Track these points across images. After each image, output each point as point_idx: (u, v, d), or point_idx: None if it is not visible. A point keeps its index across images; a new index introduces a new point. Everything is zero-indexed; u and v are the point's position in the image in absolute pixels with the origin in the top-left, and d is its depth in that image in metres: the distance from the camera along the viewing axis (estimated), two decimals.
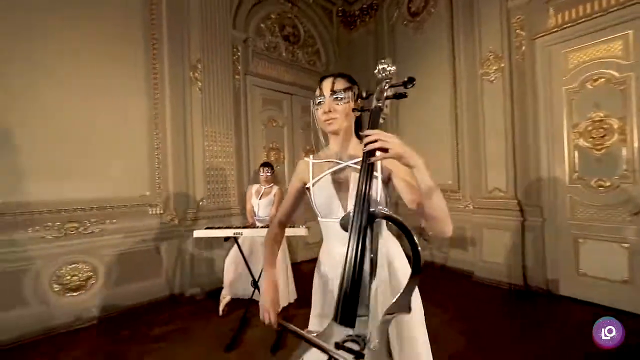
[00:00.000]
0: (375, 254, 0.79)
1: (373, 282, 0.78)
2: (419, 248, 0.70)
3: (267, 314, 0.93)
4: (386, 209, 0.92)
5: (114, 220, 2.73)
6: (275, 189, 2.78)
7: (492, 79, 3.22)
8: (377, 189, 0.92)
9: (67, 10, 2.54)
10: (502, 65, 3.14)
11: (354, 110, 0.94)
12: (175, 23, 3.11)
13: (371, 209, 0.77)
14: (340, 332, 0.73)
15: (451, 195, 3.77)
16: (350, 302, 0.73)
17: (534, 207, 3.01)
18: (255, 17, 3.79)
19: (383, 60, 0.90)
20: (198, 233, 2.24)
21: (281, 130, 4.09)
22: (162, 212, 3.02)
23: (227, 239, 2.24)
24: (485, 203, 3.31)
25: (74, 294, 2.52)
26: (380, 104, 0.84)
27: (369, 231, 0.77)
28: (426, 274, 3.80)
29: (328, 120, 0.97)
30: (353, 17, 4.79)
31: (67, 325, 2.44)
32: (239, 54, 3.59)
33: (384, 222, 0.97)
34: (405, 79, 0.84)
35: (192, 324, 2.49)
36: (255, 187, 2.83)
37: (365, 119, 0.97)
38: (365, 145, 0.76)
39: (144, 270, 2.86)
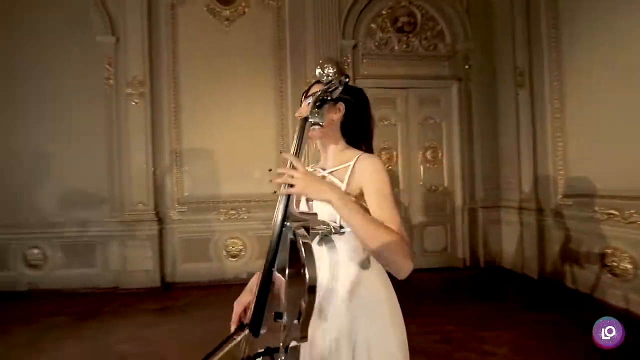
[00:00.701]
0: (294, 267, 0.76)
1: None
2: (307, 272, 0.63)
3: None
4: (320, 229, 0.84)
5: (255, 211, 3.69)
6: None
7: None
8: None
9: (231, 70, 3.69)
10: None
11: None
12: (295, 51, 3.74)
13: (287, 223, 0.75)
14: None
15: None
16: (258, 309, 0.75)
17: None
18: (364, 20, 3.85)
19: (321, 61, 0.82)
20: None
21: (394, 128, 3.92)
22: None
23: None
24: None
25: (233, 259, 3.65)
26: (309, 115, 0.79)
27: (283, 243, 0.76)
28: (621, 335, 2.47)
29: None
30: None
31: (230, 280, 3.58)
32: (349, 60, 3.79)
33: (338, 241, 0.87)
34: (340, 79, 0.75)
35: None
36: None
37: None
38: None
39: None
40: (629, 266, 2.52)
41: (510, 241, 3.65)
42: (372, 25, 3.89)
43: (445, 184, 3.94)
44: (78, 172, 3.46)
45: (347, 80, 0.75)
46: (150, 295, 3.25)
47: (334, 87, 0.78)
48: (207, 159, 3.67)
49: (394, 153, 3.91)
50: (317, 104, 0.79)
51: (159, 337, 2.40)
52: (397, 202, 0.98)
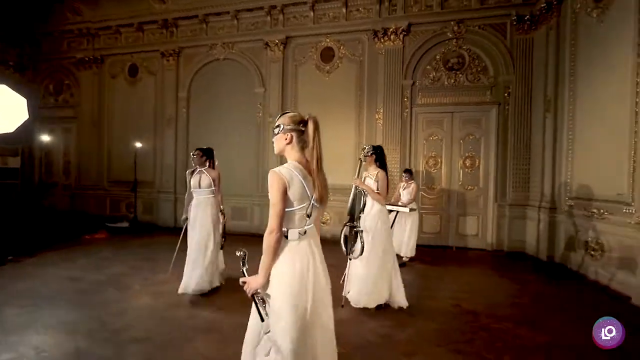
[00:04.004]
0: (361, 205, 2.68)
1: (361, 214, 2.70)
2: (354, 209, 2.58)
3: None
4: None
5: (337, 195, 5.70)
6: (412, 184, 4.48)
7: None
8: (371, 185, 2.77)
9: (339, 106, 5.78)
10: None
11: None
12: (370, 89, 5.54)
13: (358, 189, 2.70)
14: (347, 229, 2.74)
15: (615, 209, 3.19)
16: (351, 214, 2.72)
17: None
18: (422, 64, 5.34)
19: (364, 146, 2.71)
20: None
21: (440, 143, 5.31)
22: None
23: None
24: None
25: (323, 224, 5.78)
26: (362, 159, 2.71)
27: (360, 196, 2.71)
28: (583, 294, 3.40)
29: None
30: (534, 18, 4.71)
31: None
32: (408, 95, 5.36)
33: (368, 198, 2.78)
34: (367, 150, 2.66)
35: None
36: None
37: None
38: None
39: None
40: (600, 250, 3.47)
41: (532, 232, 4.63)
42: (428, 67, 5.33)
43: (481, 185, 5.12)
44: (246, 167, 6.19)
45: (371, 150, 2.65)
46: None
47: (367, 153, 2.70)
48: None
49: (439, 160, 5.31)
50: (365, 157, 2.73)
51: None
52: (388, 187, 2.82)
